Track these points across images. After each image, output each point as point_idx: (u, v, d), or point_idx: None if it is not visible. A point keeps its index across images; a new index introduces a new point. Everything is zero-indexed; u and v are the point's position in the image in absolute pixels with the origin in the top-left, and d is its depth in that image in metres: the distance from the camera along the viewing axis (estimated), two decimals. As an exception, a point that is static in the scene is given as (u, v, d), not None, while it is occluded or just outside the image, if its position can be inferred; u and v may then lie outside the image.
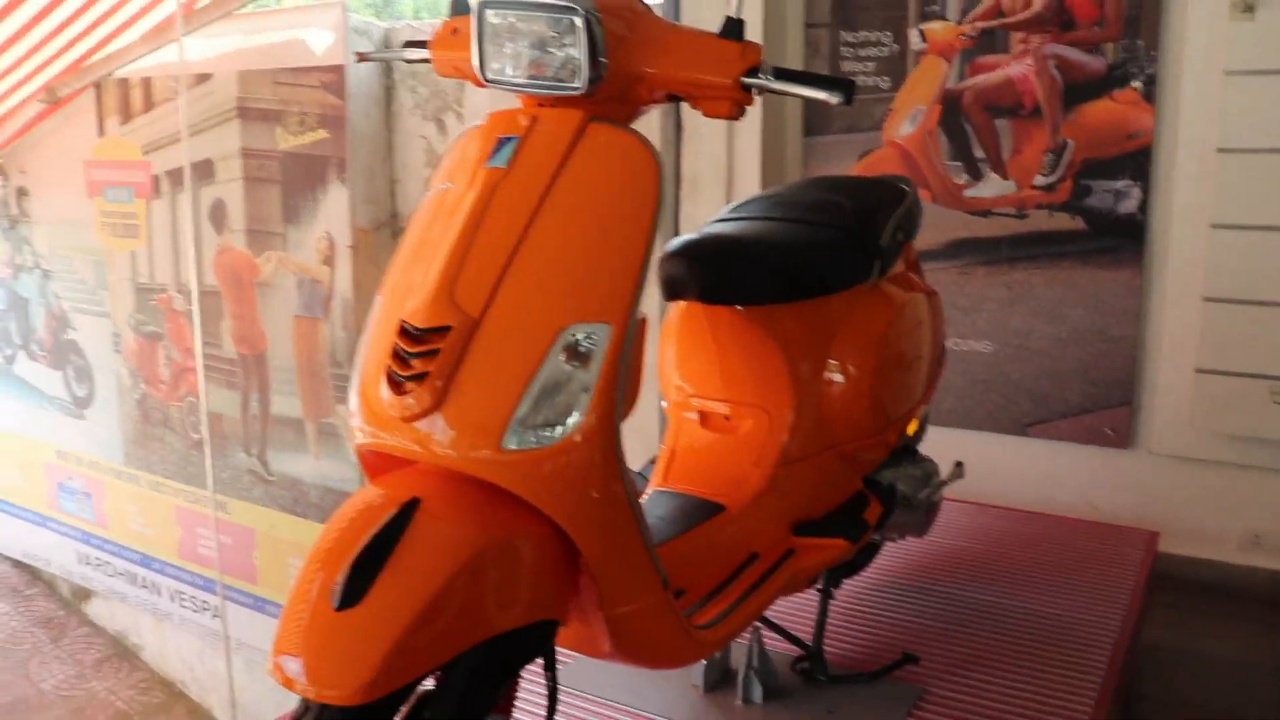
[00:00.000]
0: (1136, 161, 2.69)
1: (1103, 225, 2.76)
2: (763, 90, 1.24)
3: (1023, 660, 1.90)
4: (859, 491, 1.76)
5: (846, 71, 3.05)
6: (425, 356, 1.12)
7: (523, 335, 1.14)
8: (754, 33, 2.46)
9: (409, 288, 1.19)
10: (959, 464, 2.06)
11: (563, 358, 1.13)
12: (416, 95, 3.76)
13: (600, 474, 1.15)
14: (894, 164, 3.01)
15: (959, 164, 2.92)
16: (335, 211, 3.74)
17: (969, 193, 2.91)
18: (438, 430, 1.13)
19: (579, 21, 1.17)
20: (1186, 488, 2.79)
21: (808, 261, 1.68)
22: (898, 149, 3.01)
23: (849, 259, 1.72)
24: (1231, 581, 2.77)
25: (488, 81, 1.25)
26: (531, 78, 1.23)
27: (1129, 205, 2.72)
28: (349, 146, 3.66)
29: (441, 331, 1.13)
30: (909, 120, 2.98)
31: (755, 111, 3.07)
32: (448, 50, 1.36)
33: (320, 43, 3.64)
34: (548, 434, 1.12)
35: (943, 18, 2.89)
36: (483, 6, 1.22)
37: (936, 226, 2.92)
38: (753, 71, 1.23)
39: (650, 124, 3.42)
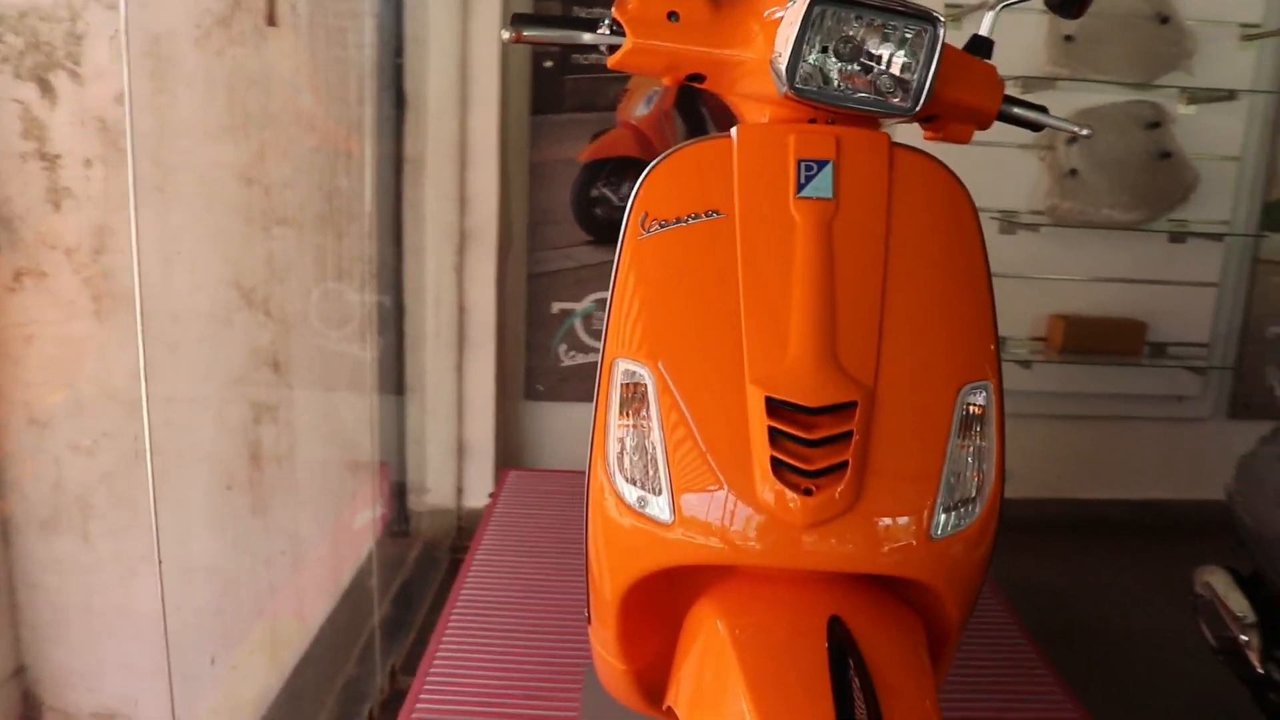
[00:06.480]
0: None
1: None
2: (1013, 121, 1.21)
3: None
4: None
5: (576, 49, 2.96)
6: (832, 443, 0.96)
7: (924, 404, 1.01)
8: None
9: (733, 351, 1.00)
10: None
11: (962, 425, 1.02)
12: (5, 46, 2.92)
13: (990, 548, 1.06)
14: (629, 144, 3.01)
15: (695, 146, 3.00)
16: (-106, 198, 2.81)
17: (706, 174, 3.00)
18: (848, 529, 0.97)
19: (933, 33, 1.04)
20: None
21: None
22: (632, 129, 3.01)
23: None
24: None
25: (796, 91, 1.05)
26: (844, 90, 1.06)
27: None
28: (-84, 112, 2.75)
29: (841, 410, 0.97)
30: (644, 102, 2.99)
31: (492, 87, 2.88)
32: (657, 39, 1.14)
33: None
34: (967, 514, 1.01)
35: None
36: (815, 2, 1.02)
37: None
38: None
39: (347, 97, 3.03)
